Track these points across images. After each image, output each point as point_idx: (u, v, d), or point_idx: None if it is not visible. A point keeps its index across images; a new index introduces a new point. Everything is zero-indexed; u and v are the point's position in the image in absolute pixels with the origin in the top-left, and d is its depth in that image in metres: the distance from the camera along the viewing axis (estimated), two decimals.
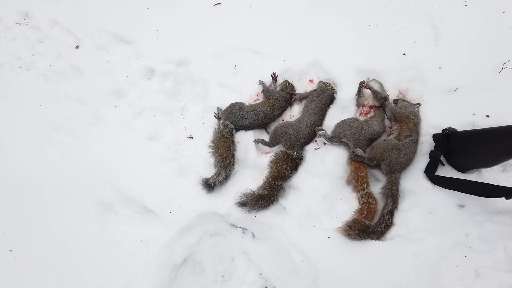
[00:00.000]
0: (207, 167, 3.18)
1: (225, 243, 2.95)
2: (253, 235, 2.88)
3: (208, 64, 3.79)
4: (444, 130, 2.70)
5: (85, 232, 3.05)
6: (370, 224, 2.45)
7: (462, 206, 2.53)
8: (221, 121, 3.23)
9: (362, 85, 3.06)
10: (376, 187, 2.77)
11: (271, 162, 2.93)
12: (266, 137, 3.25)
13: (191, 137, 3.47)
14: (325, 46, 3.52)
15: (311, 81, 3.47)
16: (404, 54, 3.34)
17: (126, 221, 3.11)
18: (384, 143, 2.75)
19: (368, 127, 2.85)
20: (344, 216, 2.67)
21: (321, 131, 2.94)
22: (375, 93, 2.98)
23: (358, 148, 2.75)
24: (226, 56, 3.80)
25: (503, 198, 2.27)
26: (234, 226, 2.94)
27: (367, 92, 3.06)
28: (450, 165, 2.74)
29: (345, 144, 2.90)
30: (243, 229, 2.91)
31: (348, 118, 2.93)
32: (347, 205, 2.73)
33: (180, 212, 2.97)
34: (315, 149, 3.03)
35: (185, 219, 2.93)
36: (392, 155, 2.68)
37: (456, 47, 3.23)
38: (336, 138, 2.88)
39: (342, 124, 2.89)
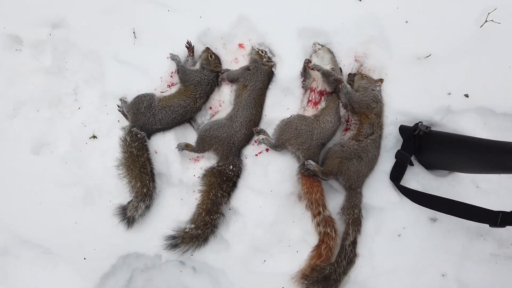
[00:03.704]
0: (122, 186, 2.44)
1: (161, 276, 2.44)
2: (194, 269, 2.38)
3: (94, 26, 2.70)
4: (414, 127, 2.12)
5: None
6: (331, 271, 2.01)
7: (434, 220, 2.13)
8: (127, 128, 2.39)
9: (307, 65, 2.26)
10: (335, 200, 2.26)
11: (202, 191, 2.27)
12: (192, 134, 2.50)
13: (94, 137, 2.61)
14: None
15: (240, 45, 2.58)
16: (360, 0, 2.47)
17: (31, 265, 2.46)
18: (340, 150, 2.15)
19: (320, 129, 2.18)
20: (298, 244, 2.22)
21: (261, 137, 2.25)
22: (325, 75, 2.22)
23: (310, 161, 2.14)
24: (118, 11, 2.70)
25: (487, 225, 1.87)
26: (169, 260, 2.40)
27: (315, 72, 2.28)
28: (419, 162, 2.25)
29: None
30: (181, 262, 2.39)
31: (294, 118, 2.22)
32: (301, 229, 2.25)
33: (97, 258, 2.36)
34: (256, 155, 2.37)
35: (105, 266, 2.34)
36: (352, 167, 2.11)
37: None
38: (281, 146, 2.22)
39: (287, 128, 2.19)
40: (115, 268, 2.37)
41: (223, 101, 2.54)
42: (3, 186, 2.49)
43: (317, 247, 2.08)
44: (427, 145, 2.10)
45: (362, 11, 2.43)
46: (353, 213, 2.10)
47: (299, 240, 2.22)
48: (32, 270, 2.43)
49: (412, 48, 2.32)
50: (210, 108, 2.55)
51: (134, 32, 2.63)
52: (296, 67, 2.40)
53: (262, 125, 2.40)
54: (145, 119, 2.37)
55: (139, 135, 2.34)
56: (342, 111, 2.33)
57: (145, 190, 2.26)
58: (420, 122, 2.11)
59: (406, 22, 2.37)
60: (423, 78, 2.27)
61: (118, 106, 2.50)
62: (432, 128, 2.12)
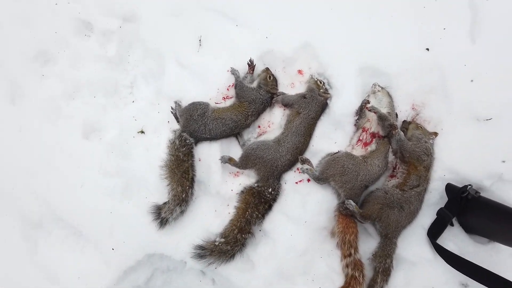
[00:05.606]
0: (160, 184, 2.50)
1: (180, 281, 2.48)
2: (213, 281, 2.41)
3: (163, 26, 2.80)
4: (463, 189, 2.08)
5: (11, 256, 2.51)
6: None
7: (465, 285, 2.09)
8: (177, 132, 2.45)
9: (365, 106, 2.27)
10: (367, 245, 2.25)
11: (238, 208, 2.30)
12: (236, 148, 2.55)
13: (142, 132, 2.69)
14: (323, 27, 2.57)
15: (299, 71, 2.62)
16: (428, 49, 2.46)
17: (60, 244, 2.55)
18: (383, 197, 2.14)
19: (367, 171, 2.18)
20: (322, 280, 2.23)
21: (305, 167, 2.26)
22: (381, 119, 2.23)
23: (350, 200, 2.14)
24: (187, 16, 2.79)
25: None
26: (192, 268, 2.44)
27: (370, 113, 2.29)
28: (459, 224, 2.21)
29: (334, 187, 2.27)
30: (202, 272, 2.42)
31: (342, 155, 2.23)
32: (328, 266, 2.25)
33: (125, 251, 2.43)
34: (296, 182, 2.39)
35: (130, 261, 2.41)
36: (392, 215, 2.10)
37: (502, 49, 2.37)
38: (323, 180, 2.23)
39: (333, 164, 2.20)
40: (139, 264, 2.43)
41: (273, 122, 2.57)
42: (50, 162, 2.60)
43: None
44: (472, 209, 2.07)
45: (428, 60, 2.43)
46: (385, 263, 2.09)
47: (323, 276, 2.22)
48: (61, 249, 2.51)
49: (473, 107, 2.29)
50: (259, 126, 2.59)
51: (200, 40, 2.71)
52: (352, 103, 2.42)
53: (307, 154, 2.41)
54: (196, 126, 2.42)
55: (188, 141, 2.40)
56: (390, 157, 2.32)
57: (183, 196, 2.31)
58: (470, 185, 2.08)
59: (472, 81, 2.34)
60: (479, 140, 2.24)
61: (172, 108, 2.57)
62: (481, 194, 2.09)
